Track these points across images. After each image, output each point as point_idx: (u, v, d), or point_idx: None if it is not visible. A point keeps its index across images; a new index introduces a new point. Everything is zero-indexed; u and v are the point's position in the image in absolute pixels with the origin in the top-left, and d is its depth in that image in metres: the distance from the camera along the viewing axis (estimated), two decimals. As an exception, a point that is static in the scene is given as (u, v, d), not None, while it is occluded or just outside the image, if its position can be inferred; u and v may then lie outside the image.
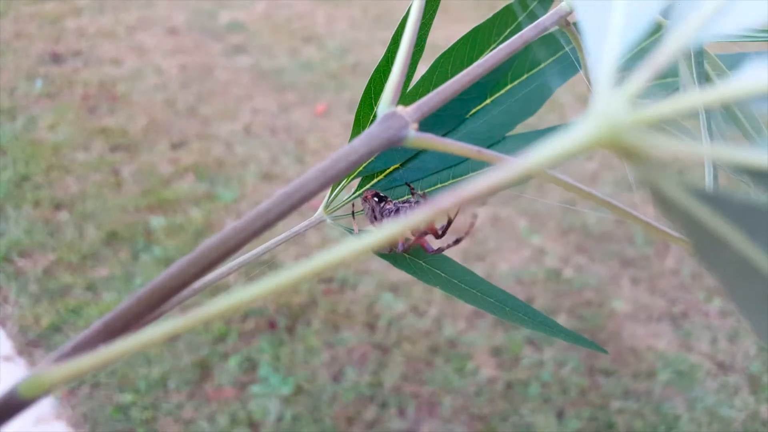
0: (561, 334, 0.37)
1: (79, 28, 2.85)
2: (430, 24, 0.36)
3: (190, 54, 2.71)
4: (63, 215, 1.89)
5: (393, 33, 0.33)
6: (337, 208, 0.39)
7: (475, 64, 0.27)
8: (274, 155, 2.17)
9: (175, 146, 2.19)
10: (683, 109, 0.13)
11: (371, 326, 1.63)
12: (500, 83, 0.40)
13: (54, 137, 2.19)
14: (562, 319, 1.66)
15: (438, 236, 0.39)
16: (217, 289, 1.68)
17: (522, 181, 0.15)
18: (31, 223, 1.85)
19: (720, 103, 0.13)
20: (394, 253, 0.39)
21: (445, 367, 1.55)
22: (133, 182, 2.03)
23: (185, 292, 0.27)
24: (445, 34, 2.84)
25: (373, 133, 0.22)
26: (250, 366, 1.53)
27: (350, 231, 0.39)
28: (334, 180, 0.22)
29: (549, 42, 0.40)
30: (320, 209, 0.38)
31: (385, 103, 0.23)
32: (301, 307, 1.66)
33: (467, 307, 1.68)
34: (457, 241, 0.40)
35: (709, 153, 0.13)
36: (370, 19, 3.03)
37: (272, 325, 1.62)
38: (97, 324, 0.20)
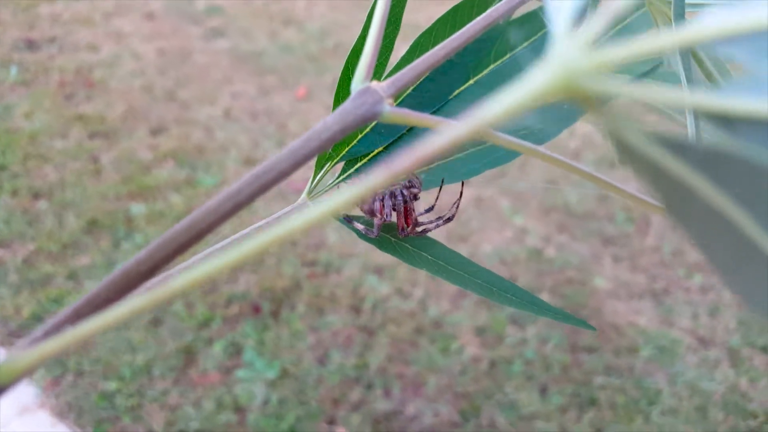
0: (548, 312, 0.37)
1: (53, 14, 2.81)
2: (403, 4, 0.36)
3: (168, 39, 2.68)
4: (42, 204, 1.87)
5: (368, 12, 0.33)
6: (321, 193, 0.39)
7: (450, 38, 0.26)
8: (254, 139, 2.15)
9: (155, 132, 2.17)
10: (643, 52, 0.13)
11: (356, 309, 1.64)
12: (483, 64, 0.40)
13: (30, 125, 2.16)
14: (544, 298, 1.67)
15: (421, 233, 0.39)
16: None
17: (480, 135, 0.15)
18: (9, 212, 1.83)
19: (683, 46, 0.13)
20: (380, 237, 0.39)
21: (430, 348, 1.56)
22: (112, 169, 2.01)
23: (158, 278, 0.27)
24: (427, 15, 2.82)
25: (346, 110, 0.22)
26: (235, 351, 1.53)
27: (339, 220, 0.39)
28: (306, 159, 0.21)
29: (532, 21, 0.39)
30: (304, 194, 0.38)
31: (358, 79, 0.23)
32: (285, 291, 1.66)
33: (452, 288, 1.69)
34: (447, 220, 0.41)
35: (671, 98, 0.13)
36: (350, 0, 3.01)
37: (256, 309, 1.62)
38: (67, 310, 0.20)
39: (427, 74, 0.38)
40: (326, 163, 0.38)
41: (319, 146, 0.22)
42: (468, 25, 0.27)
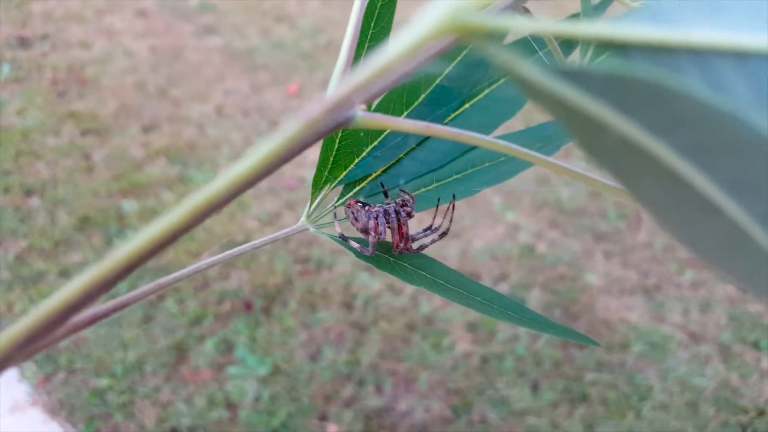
0: (552, 329, 0.37)
1: (45, 11, 2.80)
2: (394, 4, 0.35)
3: (160, 36, 2.68)
4: (34, 201, 1.87)
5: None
6: (321, 216, 0.39)
7: (424, 48, 0.27)
8: (246, 137, 2.15)
9: (147, 129, 2.17)
10: None
11: (348, 305, 1.64)
12: (477, 89, 0.40)
13: (23, 122, 2.16)
14: (536, 294, 1.68)
15: (418, 250, 0.40)
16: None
17: (393, 73, 0.16)
18: (1, 209, 1.83)
19: None
20: (376, 256, 0.39)
21: (422, 344, 1.56)
22: (104, 167, 2.01)
23: (151, 286, 0.27)
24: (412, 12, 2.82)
25: (318, 116, 0.22)
26: (227, 348, 1.53)
27: (334, 238, 0.39)
28: (280, 162, 0.21)
29: (523, 46, 0.40)
30: (303, 218, 0.38)
31: (332, 86, 0.23)
32: (277, 288, 1.66)
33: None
34: (442, 234, 0.41)
35: (551, 28, 0.13)
36: (343, -2, 3.01)
37: (248, 306, 1.62)
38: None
39: (421, 99, 0.38)
40: (324, 186, 0.39)
41: (291, 149, 0.22)
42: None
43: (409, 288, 1.68)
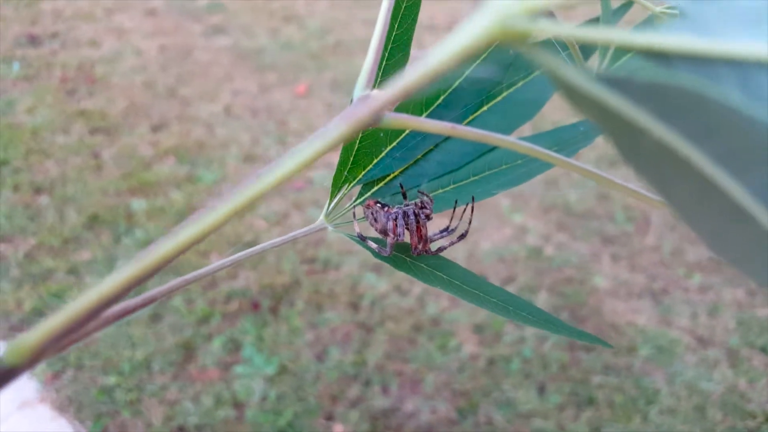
0: (565, 331, 0.37)
1: (55, 9, 2.81)
2: (418, 6, 0.36)
3: (170, 35, 2.69)
4: (43, 199, 1.88)
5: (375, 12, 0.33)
6: (339, 216, 0.39)
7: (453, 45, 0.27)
8: (255, 136, 2.16)
9: (156, 128, 2.18)
10: None
11: (355, 306, 1.64)
12: (495, 91, 0.40)
13: (32, 120, 2.17)
14: (543, 297, 1.68)
15: (438, 251, 0.40)
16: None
17: (440, 77, 0.16)
18: (11, 207, 1.84)
19: None
20: (394, 256, 0.39)
21: (428, 345, 1.56)
22: (113, 165, 2.01)
23: (178, 281, 0.27)
24: (429, 13, 2.83)
25: (347, 116, 0.22)
26: (234, 347, 1.53)
27: (352, 238, 0.40)
28: (308, 162, 0.22)
29: (546, 47, 0.40)
30: (321, 217, 0.38)
31: (360, 87, 0.24)
32: (284, 288, 1.67)
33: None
34: (461, 237, 0.41)
35: (608, 36, 0.13)
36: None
37: (256, 306, 1.62)
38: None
39: (440, 101, 0.39)
40: (343, 186, 0.39)
41: (321, 148, 0.22)
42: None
43: (416, 289, 1.68)
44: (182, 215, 1.82)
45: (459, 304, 1.65)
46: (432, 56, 0.16)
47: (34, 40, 2.60)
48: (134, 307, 0.23)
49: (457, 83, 0.38)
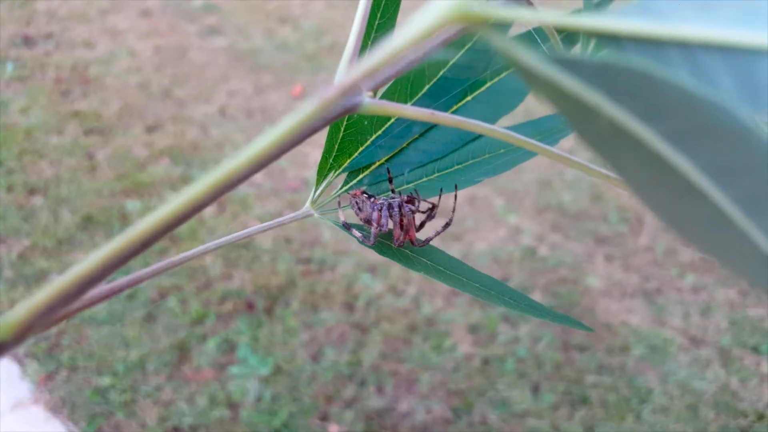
0: (545, 314, 0.38)
1: (49, 10, 2.81)
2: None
3: (164, 36, 2.69)
4: (37, 200, 1.87)
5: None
6: (325, 203, 0.40)
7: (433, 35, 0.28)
8: (249, 138, 2.16)
9: (150, 129, 2.18)
10: None
11: (350, 306, 1.65)
12: (479, 81, 0.41)
13: (26, 121, 2.17)
14: (537, 296, 1.68)
15: (418, 229, 0.40)
16: (193, 270, 1.68)
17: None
18: (4, 208, 1.83)
19: None
20: (379, 244, 0.40)
21: (423, 345, 1.57)
22: (107, 166, 2.01)
23: (163, 263, 0.28)
24: (414, 4, 2.83)
25: (328, 101, 0.23)
26: (229, 347, 1.53)
27: (338, 224, 0.40)
28: (289, 147, 0.22)
29: (527, 39, 0.40)
30: (307, 204, 0.39)
31: (340, 74, 0.24)
32: (279, 288, 1.67)
33: (445, 286, 1.70)
34: (446, 225, 0.42)
35: (549, 19, 0.14)
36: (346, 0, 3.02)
37: (250, 306, 1.62)
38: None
39: (424, 91, 0.39)
40: (328, 174, 0.39)
41: (301, 133, 0.23)
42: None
43: (411, 290, 1.68)
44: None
45: (453, 305, 1.66)
46: (390, 41, 0.17)
47: (28, 41, 2.60)
48: (120, 287, 0.24)
49: (441, 73, 0.39)
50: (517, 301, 0.38)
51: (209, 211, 1.85)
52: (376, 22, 0.36)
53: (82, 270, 0.18)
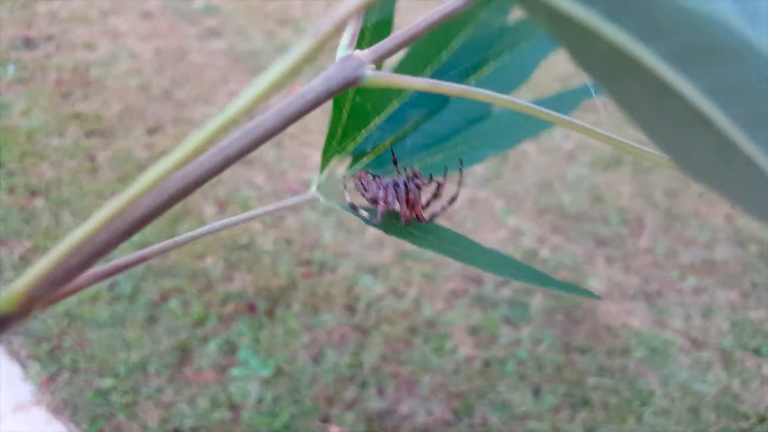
0: (551, 284, 0.37)
1: (50, 12, 2.81)
2: None
3: (165, 38, 2.69)
4: (38, 202, 1.87)
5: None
6: (330, 187, 0.40)
7: (433, 11, 0.28)
8: (251, 139, 2.16)
9: (151, 131, 2.18)
10: None
11: (351, 308, 1.65)
12: (481, 64, 0.41)
13: (27, 123, 2.17)
14: (538, 299, 1.68)
15: (424, 208, 0.40)
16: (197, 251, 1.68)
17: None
18: (5, 210, 1.83)
19: None
20: (386, 222, 0.40)
21: (424, 347, 1.57)
22: (108, 168, 2.01)
23: (166, 243, 0.28)
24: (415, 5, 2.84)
25: (330, 74, 0.24)
26: (230, 349, 1.53)
27: (344, 207, 0.40)
28: (292, 119, 0.23)
29: (527, 25, 0.41)
30: (312, 187, 0.39)
31: (342, 48, 0.24)
32: (280, 290, 1.67)
33: (446, 288, 1.70)
34: (452, 200, 0.42)
35: None
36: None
37: (251, 308, 1.62)
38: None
39: (428, 73, 0.40)
40: (332, 157, 0.39)
41: (304, 106, 0.23)
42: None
43: (412, 291, 1.68)
44: (178, 218, 1.82)
45: (454, 307, 1.66)
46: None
47: (29, 43, 2.60)
48: (126, 263, 0.24)
49: (442, 57, 0.39)
50: (523, 273, 0.38)
51: (210, 212, 1.85)
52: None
53: (81, 234, 0.18)
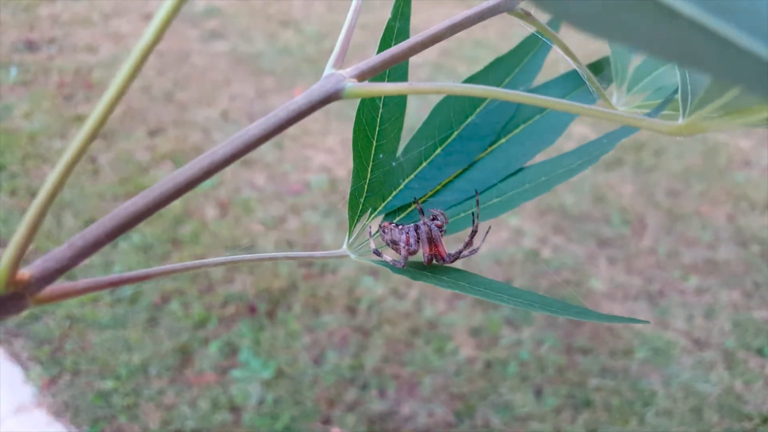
0: (592, 316, 0.37)
1: (52, 15, 2.82)
2: (409, 6, 0.37)
3: (167, 40, 2.69)
4: (40, 204, 1.87)
5: (390, 17, 0.35)
6: (361, 245, 0.40)
7: (420, 33, 0.29)
8: (252, 141, 2.16)
9: (152, 133, 2.18)
10: None
11: (352, 309, 1.64)
12: (511, 124, 0.42)
13: (30, 126, 2.17)
14: (540, 299, 1.68)
15: (455, 258, 0.41)
16: (199, 276, 1.68)
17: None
18: (7, 212, 1.84)
19: None
20: (411, 268, 0.40)
21: (425, 348, 1.57)
22: (110, 170, 2.02)
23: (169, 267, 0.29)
24: (425, 16, 2.84)
25: (313, 89, 0.25)
26: (231, 351, 1.53)
27: (376, 262, 0.40)
28: (276, 130, 0.24)
29: (565, 81, 0.41)
30: (344, 246, 0.39)
31: (328, 67, 0.26)
32: (281, 292, 1.67)
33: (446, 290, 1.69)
34: (473, 251, 0.42)
35: None
36: (348, 2, 3.01)
37: (252, 309, 1.62)
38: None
39: (454, 136, 0.40)
40: (361, 216, 0.39)
41: (287, 117, 0.24)
42: (449, 21, 0.29)
43: (413, 293, 1.68)
44: (179, 220, 1.82)
45: (456, 308, 1.65)
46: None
47: (31, 46, 2.61)
48: (128, 278, 0.25)
49: (469, 120, 0.40)
50: (561, 308, 0.37)
51: (212, 214, 1.85)
52: (396, 27, 0.36)
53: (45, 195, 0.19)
